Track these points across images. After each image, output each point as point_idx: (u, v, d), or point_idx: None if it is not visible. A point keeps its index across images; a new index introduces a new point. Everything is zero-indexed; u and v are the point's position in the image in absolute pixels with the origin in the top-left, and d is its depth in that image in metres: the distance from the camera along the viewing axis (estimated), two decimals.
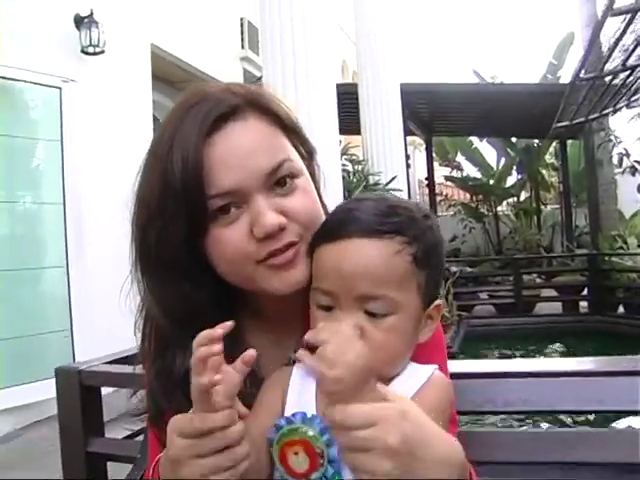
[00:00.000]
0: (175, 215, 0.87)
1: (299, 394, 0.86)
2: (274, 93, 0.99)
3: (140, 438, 2.01)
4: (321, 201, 0.99)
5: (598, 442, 1.30)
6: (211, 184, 0.86)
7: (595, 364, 1.47)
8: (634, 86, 6.58)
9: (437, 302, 0.90)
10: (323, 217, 0.94)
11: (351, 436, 0.69)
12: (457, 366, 1.19)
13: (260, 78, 9.04)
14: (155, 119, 7.25)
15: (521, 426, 3.70)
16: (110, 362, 2.01)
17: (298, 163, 0.94)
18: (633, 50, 5.41)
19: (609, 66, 6.05)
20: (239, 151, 0.88)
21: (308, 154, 1.00)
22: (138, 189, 0.94)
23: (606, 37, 5.52)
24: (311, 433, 0.78)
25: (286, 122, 0.95)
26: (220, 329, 0.75)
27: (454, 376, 0.97)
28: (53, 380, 4.94)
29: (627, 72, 5.91)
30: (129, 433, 2.00)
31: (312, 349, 0.88)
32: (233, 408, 0.76)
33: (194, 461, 0.75)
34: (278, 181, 0.90)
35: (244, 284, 0.93)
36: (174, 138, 0.88)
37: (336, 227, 0.85)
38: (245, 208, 0.88)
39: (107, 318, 5.38)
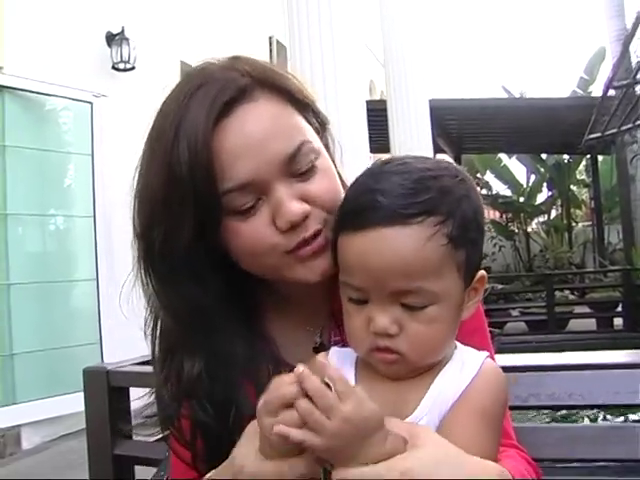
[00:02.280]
0: (182, 211, 0.79)
1: None
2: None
3: None
4: (338, 173, 0.90)
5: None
6: (225, 177, 0.78)
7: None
8: None
9: (481, 273, 0.80)
10: (343, 194, 0.84)
11: None
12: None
13: None
14: None
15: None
16: (139, 363, 1.98)
17: (316, 142, 0.85)
18: None
19: None
20: (253, 138, 0.79)
21: (321, 126, 0.91)
22: (139, 183, 0.86)
23: (638, 46, 5.44)
24: None
25: (298, 97, 0.87)
26: None
27: None
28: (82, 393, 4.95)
29: None
30: (158, 437, 1.95)
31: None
32: None
33: None
34: (298, 166, 0.82)
35: (269, 275, 0.86)
36: (179, 126, 0.79)
37: (358, 214, 0.75)
38: (264, 199, 0.81)
39: (136, 330, 5.41)
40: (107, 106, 5.50)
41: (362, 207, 0.74)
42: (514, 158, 15.85)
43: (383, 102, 8.47)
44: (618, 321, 9.39)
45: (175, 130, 0.79)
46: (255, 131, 0.79)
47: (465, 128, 12.52)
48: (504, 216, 15.81)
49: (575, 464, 1.21)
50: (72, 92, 5.22)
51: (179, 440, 0.88)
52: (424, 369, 0.77)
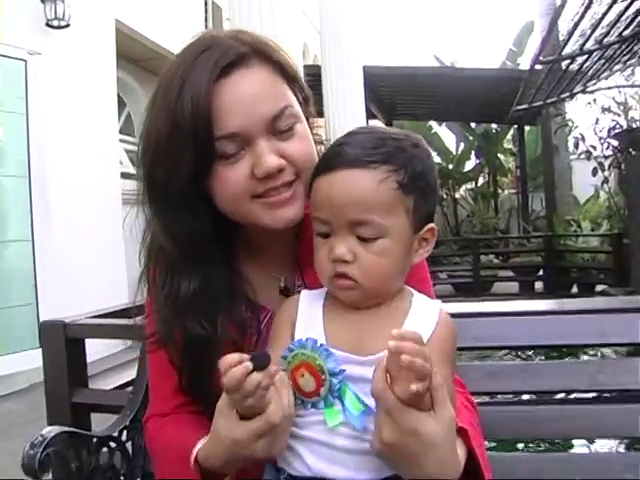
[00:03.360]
0: (183, 153, 0.94)
1: (307, 318, 0.95)
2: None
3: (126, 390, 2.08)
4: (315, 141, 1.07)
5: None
6: (218, 126, 0.93)
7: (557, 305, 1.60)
8: (590, 71, 6.81)
9: (430, 225, 0.96)
10: (317, 160, 1.00)
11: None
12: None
13: None
14: (119, 96, 7.22)
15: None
16: (93, 317, 2.08)
17: (297, 109, 1.02)
18: (590, 35, 5.59)
19: (567, 51, 6.23)
20: (244, 98, 0.95)
21: (305, 100, 1.07)
22: (146, 127, 1.00)
23: (565, 21, 5.68)
24: (307, 353, 0.86)
25: (288, 70, 1.03)
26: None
27: None
28: (18, 355, 4.92)
29: (584, 57, 6.10)
30: (112, 386, 2.06)
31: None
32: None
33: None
34: (279, 126, 0.97)
35: (242, 219, 1.01)
36: (184, 81, 0.94)
37: (328, 161, 0.92)
38: (248, 150, 0.96)
39: (73, 290, 5.41)
40: (42, 64, 5.39)
41: (332, 155, 0.92)
42: (444, 126, 16.17)
43: (317, 67, 8.54)
44: (539, 285, 9.87)
45: (181, 85, 0.94)
46: (247, 92, 0.95)
47: (397, 95, 12.71)
48: None
49: (498, 397, 1.41)
50: (4, 49, 5.09)
51: (171, 358, 1.04)
52: (377, 300, 0.93)
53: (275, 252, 1.11)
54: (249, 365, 0.79)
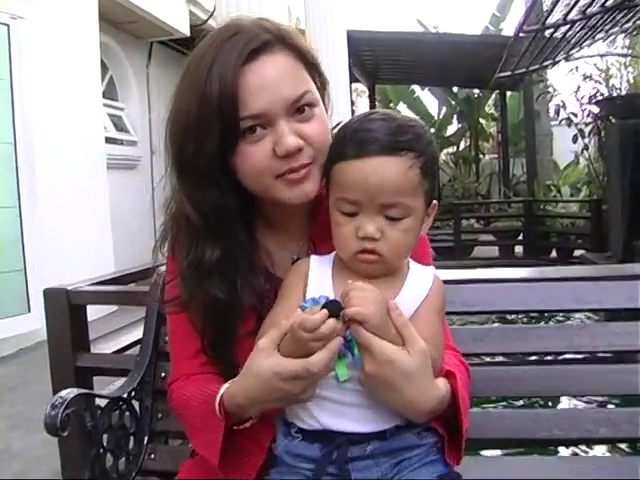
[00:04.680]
0: (211, 131, 1.03)
1: (318, 279, 1.06)
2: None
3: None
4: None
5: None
6: (243, 106, 1.02)
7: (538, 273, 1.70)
8: (573, 40, 6.87)
9: (434, 202, 1.09)
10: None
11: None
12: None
13: (206, 21, 8.96)
14: (102, 60, 7.16)
15: None
16: (94, 284, 2.15)
17: (316, 94, 1.11)
18: (574, 5, 5.63)
19: (551, 20, 6.28)
20: (268, 81, 1.03)
21: (322, 85, 1.16)
22: (174, 106, 1.09)
23: None
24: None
25: (308, 57, 1.12)
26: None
27: None
28: (6, 320, 4.94)
29: (567, 26, 6.16)
30: (114, 349, 2.15)
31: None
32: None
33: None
34: (299, 109, 1.06)
35: (263, 194, 1.10)
36: (213, 64, 1.03)
37: (359, 146, 1.01)
38: (270, 130, 1.04)
39: (61, 256, 5.45)
40: (25, 29, 5.33)
41: (362, 140, 1.01)
42: (426, 90, 16.18)
43: (302, 31, 8.51)
44: (519, 249, 10.03)
45: (209, 67, 1.03)
46: (271, 76, 1.04)
47: (380, 60, 12.69)
48: None
49: (484, 357, 1.53)
50: None
51: (193, 321, 1.14)
52: (391, 271, 1.05)
53: (291, 227, 1.20)
54: (326, 312, 0.90)
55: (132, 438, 1.53)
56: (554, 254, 9.50)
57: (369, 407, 0.99)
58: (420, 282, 1.07)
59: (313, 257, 1.11)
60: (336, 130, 1.10)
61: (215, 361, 1.16)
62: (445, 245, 9.95)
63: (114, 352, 2.13)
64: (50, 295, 2.04)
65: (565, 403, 2.75)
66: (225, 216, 1.09)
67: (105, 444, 1.41)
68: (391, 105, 16.11)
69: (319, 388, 0.98)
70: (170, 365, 1.27)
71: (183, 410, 1.16)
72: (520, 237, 10.25)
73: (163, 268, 1.38)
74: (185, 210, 1.10)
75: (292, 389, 0.93)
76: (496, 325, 2.85)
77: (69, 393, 1.28)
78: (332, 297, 0.98)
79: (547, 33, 6.60)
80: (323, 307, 0.91)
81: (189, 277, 1.11)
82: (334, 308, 0.91)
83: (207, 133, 1.03)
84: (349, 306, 0.92)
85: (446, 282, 1.13)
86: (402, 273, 1.07)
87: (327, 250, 1.11)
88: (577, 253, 8.75)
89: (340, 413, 1.00)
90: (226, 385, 1.04)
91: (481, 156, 16.17)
